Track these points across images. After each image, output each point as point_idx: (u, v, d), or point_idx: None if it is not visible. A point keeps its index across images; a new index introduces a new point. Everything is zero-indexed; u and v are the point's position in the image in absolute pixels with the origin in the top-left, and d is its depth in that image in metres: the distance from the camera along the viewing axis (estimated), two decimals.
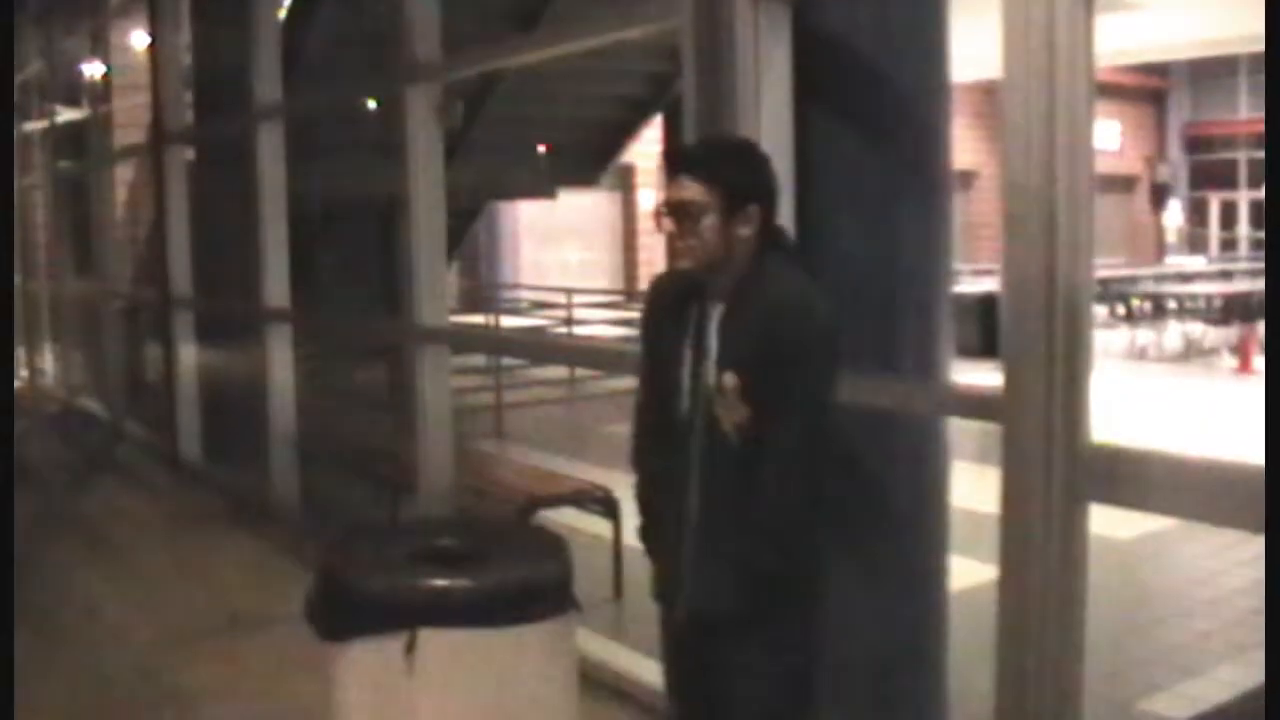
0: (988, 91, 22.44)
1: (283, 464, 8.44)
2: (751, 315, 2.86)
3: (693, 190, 2.90)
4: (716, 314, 2.93)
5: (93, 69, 13.46)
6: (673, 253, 2.96)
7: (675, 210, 2.92)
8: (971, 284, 17.73)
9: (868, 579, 4.42)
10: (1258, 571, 6.72)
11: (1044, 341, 3.08)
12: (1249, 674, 5.40)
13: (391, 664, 3.37)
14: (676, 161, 2.99)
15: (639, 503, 3.22)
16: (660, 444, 3.06)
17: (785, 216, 4.13)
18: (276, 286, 8.33)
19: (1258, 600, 6.42)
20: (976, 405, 3.54)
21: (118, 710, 5.10)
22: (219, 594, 6.65)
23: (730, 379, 2.84)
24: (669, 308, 3.06)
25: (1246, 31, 12.19)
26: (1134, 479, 2.96)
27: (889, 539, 4.53)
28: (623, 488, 7.02)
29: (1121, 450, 3.03)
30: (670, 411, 2.99)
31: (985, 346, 15.66)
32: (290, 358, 8.45)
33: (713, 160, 3.00)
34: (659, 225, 2.96)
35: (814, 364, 2.84)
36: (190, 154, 10.49)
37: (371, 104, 9.64)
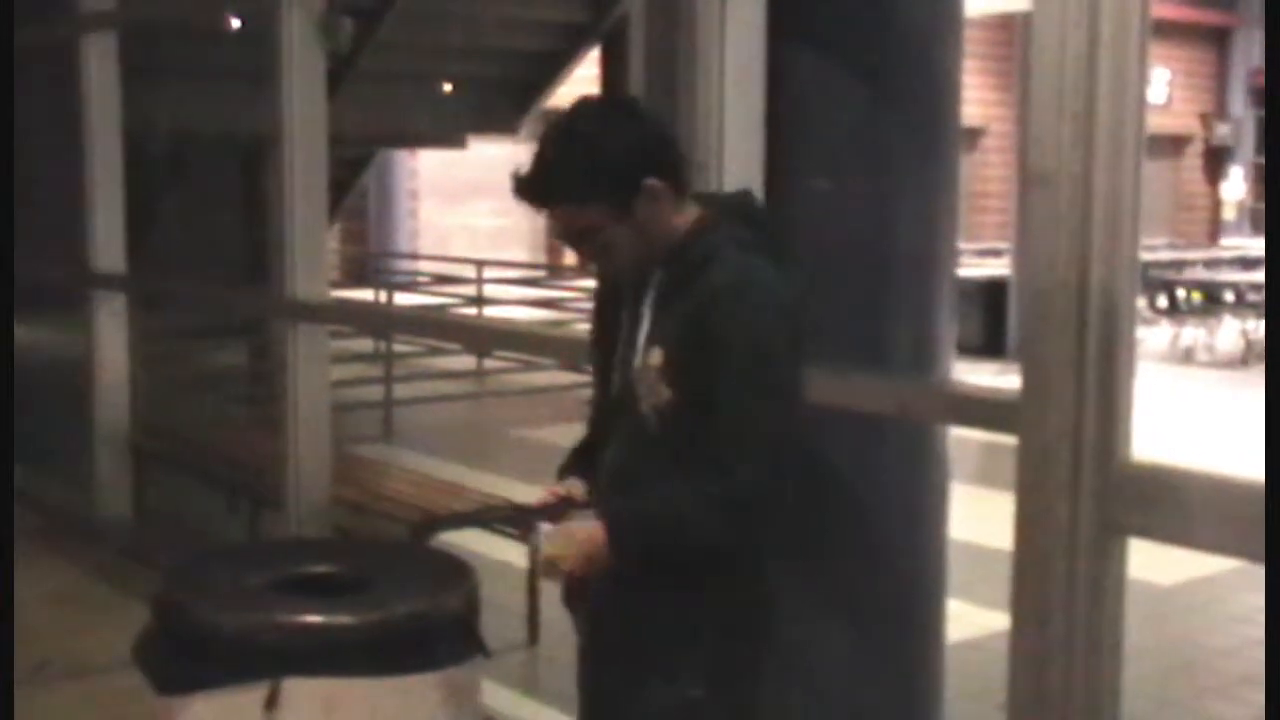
0: (999, 27, 22.50)
1: (111, 469, 8.36)
2: (687, 296, 2.91)
3: (569, 215, 2.92)
4: (654, 282, 2.99)
5: None
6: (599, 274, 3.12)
7: (572, 239, 2.97)
8: (973, 267, 17.81)
9: (846, 625, 4.42)
10: None
11: (1074, 335, 3.07)
12: None
13: None
14: (529, 198, 2.93)
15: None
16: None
17: (753, 177, 4.15)
18: (107, 245, 8.24)
19: None
20: (988, 411, 3.54)
21: None
22: (25, 634, 6.54)
23: (656, 356, 2.91)
24: None
25: None
26: (1185, 508, 2.95)
27: (872, 576, 4.54)
28: None
29: (1169, 471, 3.02)
30: (607, 390, 3.10)
31: (989, 343, 15.81)
32: (124, 336, 8.37)
33: (563, 177, 2.88)
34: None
35: (751, 383, 2.86)
36: None
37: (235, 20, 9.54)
